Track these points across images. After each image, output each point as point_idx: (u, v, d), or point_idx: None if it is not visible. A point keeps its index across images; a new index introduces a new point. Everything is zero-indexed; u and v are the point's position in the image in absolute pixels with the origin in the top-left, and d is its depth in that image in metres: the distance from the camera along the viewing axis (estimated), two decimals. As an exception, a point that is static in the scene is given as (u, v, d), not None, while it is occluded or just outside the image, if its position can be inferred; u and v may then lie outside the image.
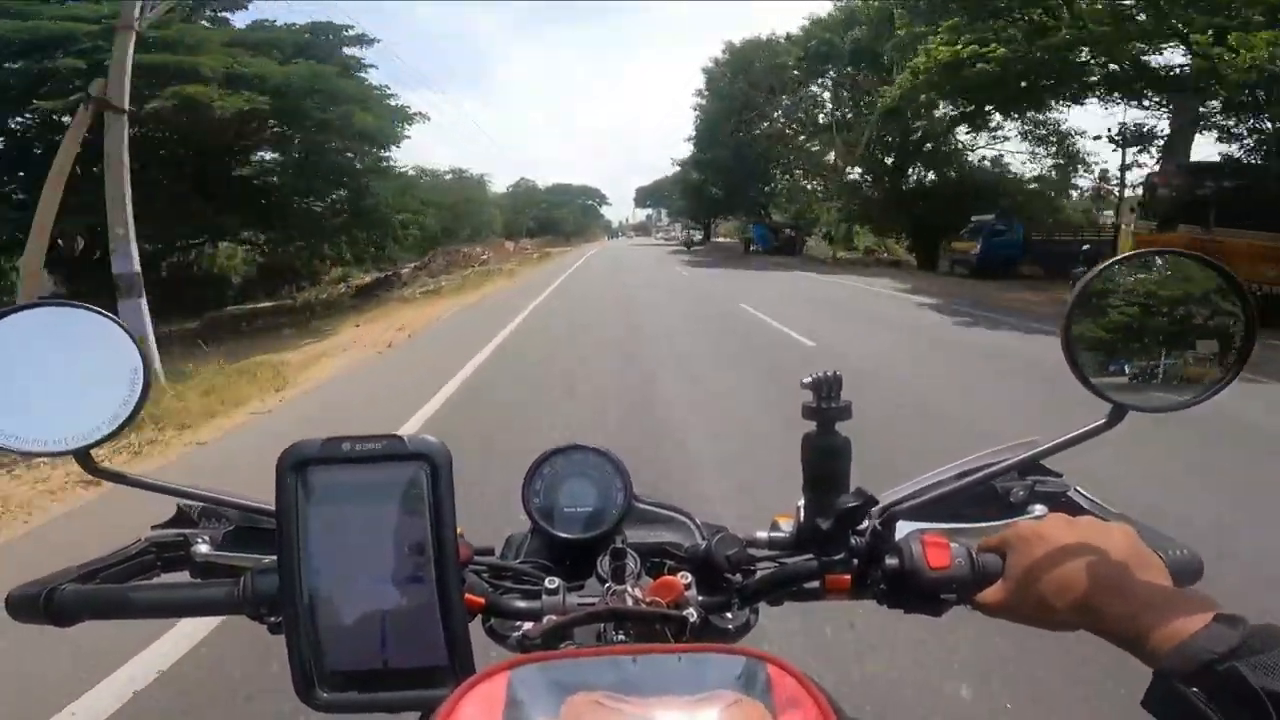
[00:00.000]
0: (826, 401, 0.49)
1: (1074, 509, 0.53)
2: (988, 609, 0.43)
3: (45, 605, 0.46)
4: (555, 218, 56.72)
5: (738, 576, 0.50)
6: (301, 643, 0.40)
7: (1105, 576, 0.38)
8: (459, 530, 0.40)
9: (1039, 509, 0.56)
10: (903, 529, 0.48)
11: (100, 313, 0.47)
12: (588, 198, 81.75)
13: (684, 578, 0.48)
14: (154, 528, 0.53)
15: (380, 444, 0.42)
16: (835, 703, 0.31)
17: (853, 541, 0.47)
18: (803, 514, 0.50)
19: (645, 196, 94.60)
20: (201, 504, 0.53)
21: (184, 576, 0.51)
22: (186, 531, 0.54)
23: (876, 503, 0.47)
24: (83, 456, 0.47)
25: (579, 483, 0.57)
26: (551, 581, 0.50)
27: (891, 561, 0.47)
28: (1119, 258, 0.46)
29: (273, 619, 0.45)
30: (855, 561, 0.47)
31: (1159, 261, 0.49)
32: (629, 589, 0.48)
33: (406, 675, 0.41)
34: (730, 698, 0.31)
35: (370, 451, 0.43)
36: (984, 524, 0.53)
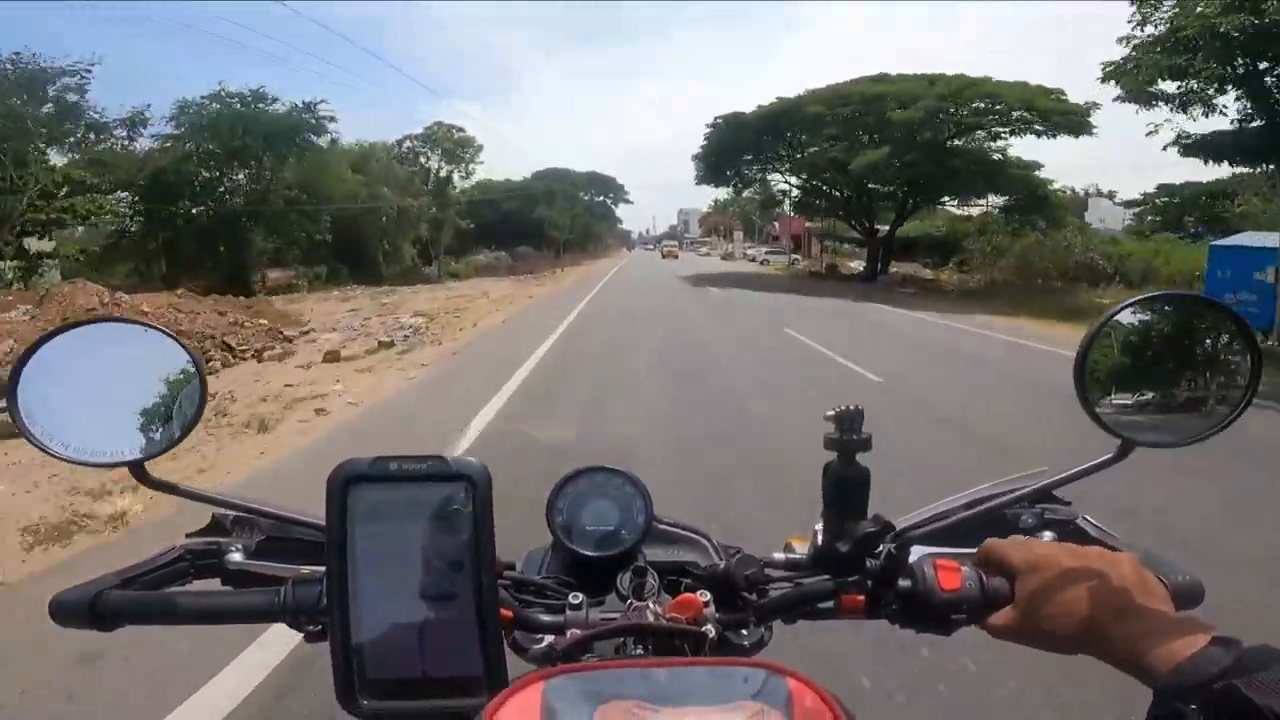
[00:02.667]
0: (848, 434, 0.56)
1: (1082, 537, 0.62)
2: (996, 631, 0.50)
3: (90, 610, 0.53)
4: (536, 220, 47.73)
5: (754, 595, 0.57)
6: (345, 652, 0.47)
7: (1109, 602, 0.44)
8: None
9: (1048, 535, 0.63)
10: (915, 553, 0.56)
11: (160, 330, 0.55)
12: (598, 190, 71.35)
13: (702, 595, 0.56)
14: (188, 535, 0.63)
15: (425, 464, 0.48)
16: (852, 715, 0.35)
17: (868, 564, 0.55)
18: (819, 537, 0.59)
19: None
20: (235, 513, 0.63)
21: (215, 584, 0.61)
22: (220, 540, 0.63)
23: (894, 529, 0.55)
24: (137, 469, 0.54)
25: (602, 503, 0.65)
26: (575, 597, 0.57)
27: (905, 583, 0.54)
28: (1132, 300, 0.54)
29: (311, 628, 0.53)
30: (870, 583, 0.55)
31: (1170, 304, 0.56)
32: (650, 605, 0.56)
33: (443, 684, 0.47)
34: (753, 708, 0.35)
35: (415, 471, 0.48)
36: None
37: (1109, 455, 0.55)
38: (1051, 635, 0.46)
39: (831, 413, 0.56)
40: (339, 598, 0.47)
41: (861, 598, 0.55)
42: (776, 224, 70.75)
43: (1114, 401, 0.55)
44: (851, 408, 0.55)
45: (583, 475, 0.66)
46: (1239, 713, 0.35)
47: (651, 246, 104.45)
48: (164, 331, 0.55)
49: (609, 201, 67.06)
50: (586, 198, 63.99)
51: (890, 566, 0.54)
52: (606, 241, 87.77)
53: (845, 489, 0.56)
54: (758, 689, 0.37)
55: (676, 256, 59.37)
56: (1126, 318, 0.54)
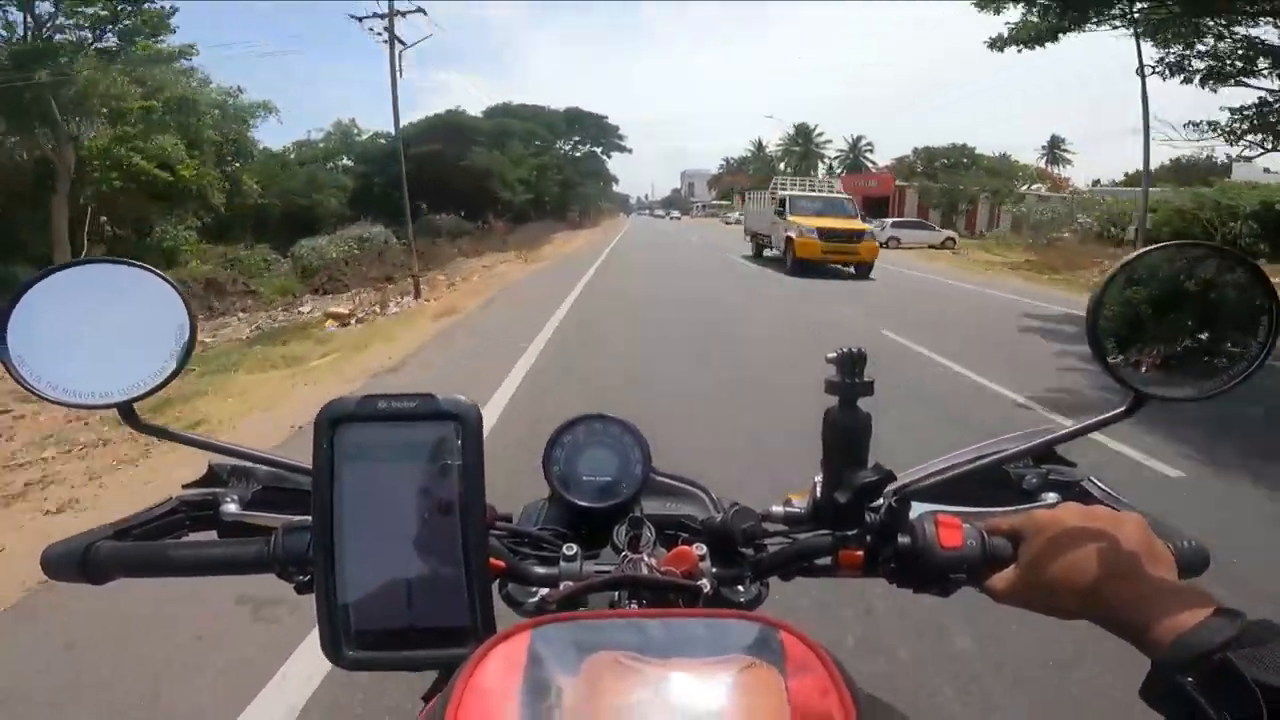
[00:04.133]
0: (850, 377, 0.57)
1: (1087, 498, 0.64)
2: (996, 594, 0.52)
3: (81, 563, 0.55)
4: (477, 173, 33.74)
5: (751, 550, 0.59)
6: (331, 602, 0.48)
7: (1114, 566, 0.46)
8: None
9: (1052, 497, 0.65)
10: (915, 510, 0.57)
11: (150, 270, 0.58)
12: (583, 134, 54.14)
13: (699, 549, 0.57)
14: (184, 487, 0.67)
15: (414, 402, 0.49)
16: (845, 669, 0.35)
17: (868, 519, 0.58)
18: (819, 491, 0.61)
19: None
20: (232, 463, 0.67)
21: (212, 536, 0.64)
22: (215, 491, 0.66)
23: (894, 478, 0.58)
24: (126, 411, 0.58)
25: (599, 452, 0.68)
26: (570, 549, 0.59)
27: (904, 540, 0.55)
28: (1148, 249, 0.55)
29: (300, 578, 0.55)
30: (869, 538, 0.57)
31: (1188, 254, 0.57)
32: (644, 558, 0.57)
33: (431, 634, 0.49)
34: (745, 661, 0.36)
35: (404, 409, 0.49)
36: (996, 509, 0.62)
37: (1120, 409, 0.55)
38: (1053, 599, 0.48)
39: (833, 355, 0.57)
40: (325, 544, 0.48)
41: (860, 553, 0.57)
42: (837, 180, 53.25)
43: (1125, 353, 0.55)
44: (854, 350, 0.57)
45: (580, 423, 0.69)
46: (1234, 687, 0.36)
47: (662, 213, 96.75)
48: (153, 271, 0.57)
49: (600, 153, 47.61)
50: (567, 147, 44.81)
51: (890, 521, 0.56)
52: (599, 205, 69.37)
53: (846, 436, 0.58)
54: (750, 642, 0.37)
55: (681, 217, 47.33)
56: (1142, 268, 0.55)
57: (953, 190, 41.04)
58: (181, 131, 18.77)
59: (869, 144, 75.22)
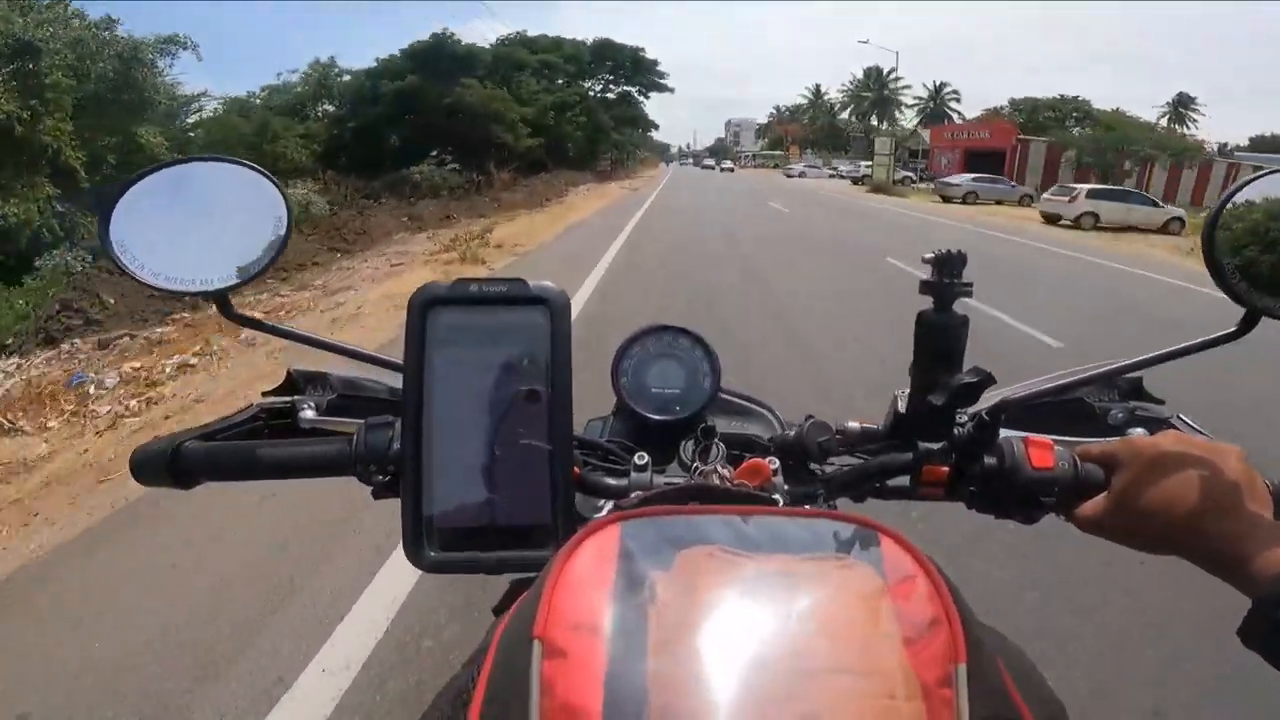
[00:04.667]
0: (949, 276, 0.55)
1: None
2: (1085, 523, 0.51)
3: (170, 464, 0.55)
4: (478, 117, 26.91)
5: (825, 467, 0.59)
6: (416, 497, 0.49)
7: (1213, 499, 0.44)
8: None
9: (1139, 432, 0.62)
10: (1002, 435, 0.56)
11: (250, 165, 0.59)
12: (623, 75, 42.69)
13: (771, 462, 0.55)
14: (264, 394, 0.67)
15: (505, 286, 0.50)
16: (950, 580, 0.33)
17: (955, 433, 0.56)
18: (901, 404, 0.58)
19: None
20: (311, 370, 0.68)
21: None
22: (294, 399, 0.66)
23: (994, 381, 0.53)
24: (221, 299, 0.59)
25: (668, 364, 0.67)
26: (641, 457, 0.57)
27: (991, 460, 0.54)
28: (1273, 169, 0.53)
29: (380, 478, 0.55)
30: (954, 456, 0.56)
31: None
32: (717, 468, 0.55)
33: (512, 533, 0.49)
34: (844, 560, 0.34)
35: (495, 293, 0.50)
36: (1083, 440, 0.58)
37: (1232, 329, 0.53)
38: (1145, 531, 0.47)
39: (930, 255, 0.55)
40: (413, 433, 0.48)
41: (945, 470, 0.55)
42: (925, 134, 44.43)
43: (1242, 271, 0.52)
44: (953, 251, 0.54)
45: (650, 335, 0.67)
46: None
47: (711, 163, 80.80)
48: (252, 167, 0.58)
49: (636, 94, 39.40)
50: (598, 88, 37.31)
51: (979, 435, 0.54)
52: (635, 153, 61.43)
53: (943, 337, 0.55)
54: (848, 540, 0.35)
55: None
56: (1266, 187, 0.52)
57: (1109, 149, 30.18)
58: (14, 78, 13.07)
59: (953, 92, 63.95)
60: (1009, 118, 51.92)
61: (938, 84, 65.82)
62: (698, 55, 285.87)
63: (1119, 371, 0.59)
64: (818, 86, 79.83)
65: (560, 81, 36.37)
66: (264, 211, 0.57)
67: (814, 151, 69.27)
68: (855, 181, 40.55)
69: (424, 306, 0.49)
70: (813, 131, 77.49)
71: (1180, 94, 58.38)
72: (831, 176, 50.19)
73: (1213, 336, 0.54)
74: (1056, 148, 35.45)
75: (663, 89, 42.03)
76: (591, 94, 42.09)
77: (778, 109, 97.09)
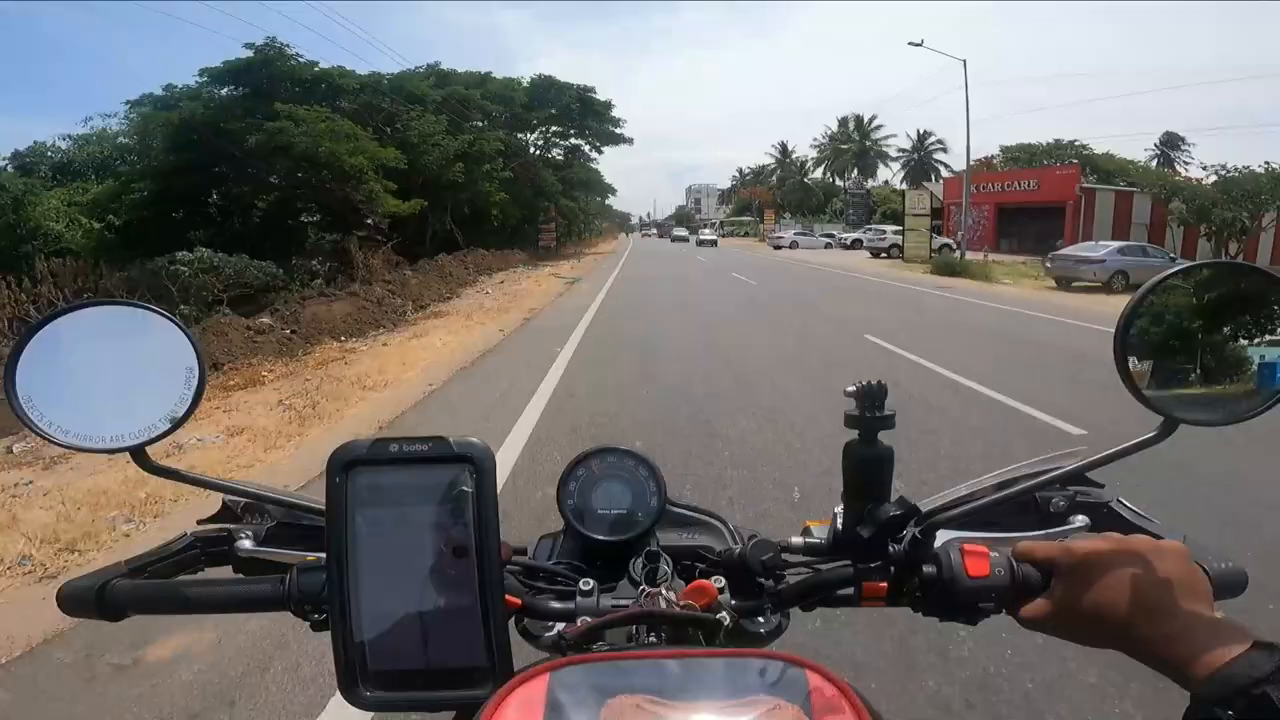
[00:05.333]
0: (871, 410, 0.56)
1: (1117, 520, 0.63)
2: (1027, 622, 0.52)
3: (97, 600, 0.55)
4: (363, 178, 17.55)
5: (771, 581, 0.59)
6: (346, 642, 0.48)
7: (1151, 600, 0.45)
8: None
9: (1080, 519, 0.64)
10: (941, 538, 0.57)
11: (158, 311, 0.57)
12: (572, 124, 32.84)
13: (717, 581, 0.57)
14: (199, 522, 0.66)
15: (426, 445, 0.50)
16: (875, 710, 0.35)
17: (891, 549, 0.57)
18: (840, 521, 0.59)
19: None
20: (245, 500, 0.66)
21: (227, 571, 0.64)
22: (230, 527, 0.65)
23: (919, 512, 0.56)
24: (139, 454, 0.57)
25: (613, 485, 0.67)
26: (586, 583, 0.58)
27: (929, 570, 0.54)
28: (1175, 269, 0.55)
29: (316, 616, 0.55)
30: (893, 569, 0.56)
31: (1218, 274, 0.56)
32: (662, 591, 0.57)
33: (447, 675, 0.49)
34: (769, 703, 0.35)
35: (416, 453, 0.50)
36: (1024, 534, 0.61)
37: (1152, 434, 0.55)
38: (1086, 629, 0.48)
39: (852, 388, 0.56)
40: (339, 586, 0.49)
41: (884, 585, 0.56)
42: (934, 189, 36.46)
43: (1156, 377, 0.55)
44: (874, 383, 0.56)
45: (594, 456, 0.68)
46: None
47: (684, 234, 65.82)
48: (161, 313, 0.57)
49: (588, 147, 30.95)
50: (540, 141, 28.82)
51: (914, 552, 0.55)
52: (597, 225, 52.28)
53: (867, 469, 0.57)
54: (775, 681, 0.37)
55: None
56: (1171, 289, 0.54)
57: (1220, 201, 21.60)
58: None
59: (938, 141, 56.46)
60: (1000, 166, 45.98)
61: (921, 132, 58.68)
62: (653, 120, 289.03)
63: (1050, 482, 0.60)
64: (784, 144, 73.30)
65: (480, 124, 26.36)
66: (175, 358, 0.55)
67: (790, 215, 62.35)
68: (877, 254, 30.47)
69: (344, 467, 0.49)
70: (782, 193, 69.69)
71: (1167, 133, 53.12)
72: (828, 246, 40.64)
73: (1135, 442, 0.55)
74: (1126, 198, 27.42)
75: (618, 140, 32.57)
76: (531, 149, 32.30)
77: (740, 171, 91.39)
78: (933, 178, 56.21)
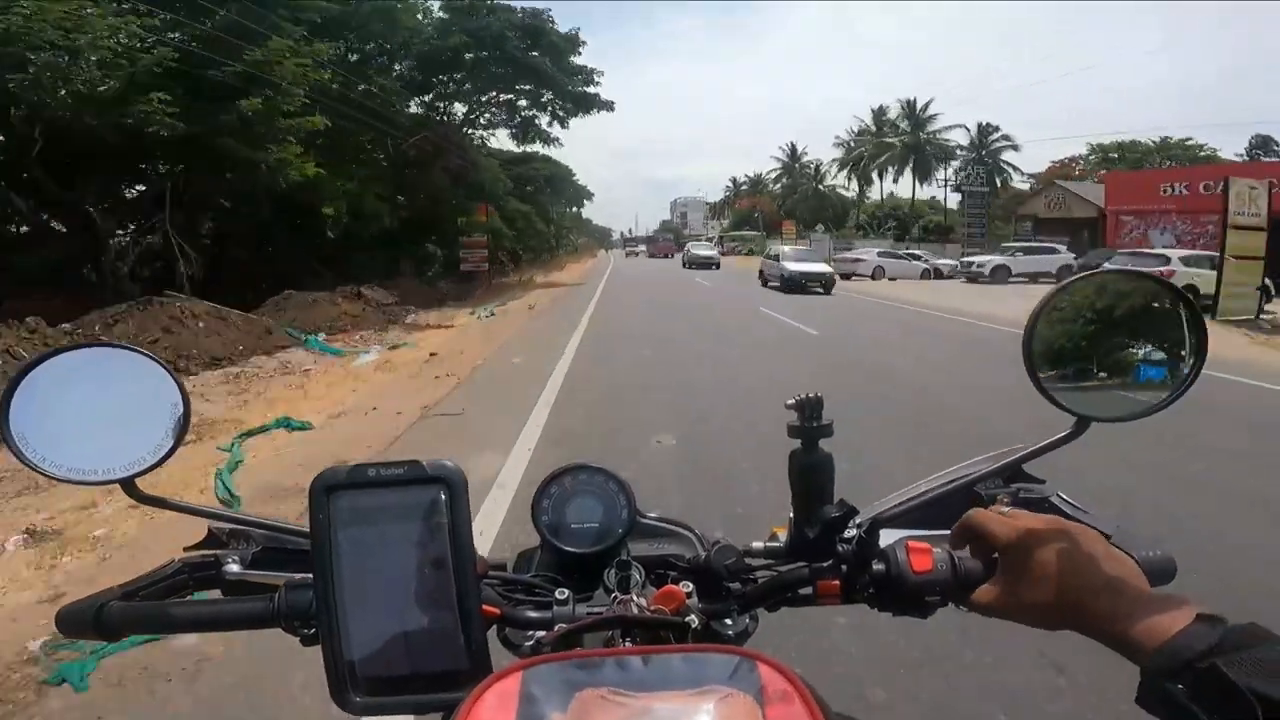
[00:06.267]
0: (810, 421, 0.61)
1: (1056, 513, 0.65)
2: (979, 608, 0.54)
3: (94, 621, 0.58)
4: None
5: (736, 584, 0.63)
6: (336, 653, 0.51)
7: (1091, 578, 0.47)
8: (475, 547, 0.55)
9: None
10: (889, 537, 0.61)
11: (142, 352, 0.62)
12: (512, 64, 20.10)
13: (685, 587, 0.61)
14: (186, 549, 0.69)
15: (402, 469, 0.53)
16: (821, 699, 0.38)
17: (840, 549, 0.60)
18: (792, 525, 0.65)
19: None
20: (230, 526, 0.69)
21: (215, 595, 0.67)
22: (217, 552, 0.68)
23: (857, 512, 0.61)
24: (128, 485, 0.61)
25: (586, 500, 0.70)
26: (562, 593, 0.62)
27: (878, 567, 0.59)
28: (1077, 276, 0.59)
29: (305, 631, 0.58)
30: (843, 568, 0.60)
31: (1118, 280, 0.61)
32: (634, 598, 0.60)
33: (431, 679, 0.52)
34: (723, 692, 0.38)
35: (393, 476, 0.53)
36: None
37: (1066, 432, 0.61)
38: (1035, 611, 0.50)
39: (792, 401, 0.62)
40: (327, 603, 0.52)
41: (837, 583, 0.60)
42: (1070, 188, 24.99)
43: (1064, 377, 0.59)
44: (812, 395, 0.61)
45: (566, 474, 0.71)
46: (1223, 692, 0.37)
47: (711, 252, 44.26)
48: (147, 355, 0.61)
49: (551, 119, 19.07)
50: (465, 109, 17.15)
51: (861, 551, 0.59)
52: (572, 241, 40.65)
53: (810, 475, 0.62)
54: (730, 674, 0.40)
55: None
56: (1074, 293, 0.59)
57: None
58: None
59: (1003, 136, 43.96)
60: (1090, 167, 35.32)
61: (983, 125, 45.46)
62: (632, 134, 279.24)
63: (987, 477, 0.65)
64: (793, 145, 60.57)
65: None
66: (161, 395, 0.59)
67: (806, 227, 50.96)
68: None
69: (324, 493, 0.52)
70: (792, 202, 58.03)
71: (1259, 136, 42.28)
72: (924, 275, 26.26)
73: (1054, 439, 0.61)
74: None
75: (591, 103, 20.39)
76: (447, 116, 19.91)
77: (734, 181, 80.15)
78: (997, 183, 43.34)
